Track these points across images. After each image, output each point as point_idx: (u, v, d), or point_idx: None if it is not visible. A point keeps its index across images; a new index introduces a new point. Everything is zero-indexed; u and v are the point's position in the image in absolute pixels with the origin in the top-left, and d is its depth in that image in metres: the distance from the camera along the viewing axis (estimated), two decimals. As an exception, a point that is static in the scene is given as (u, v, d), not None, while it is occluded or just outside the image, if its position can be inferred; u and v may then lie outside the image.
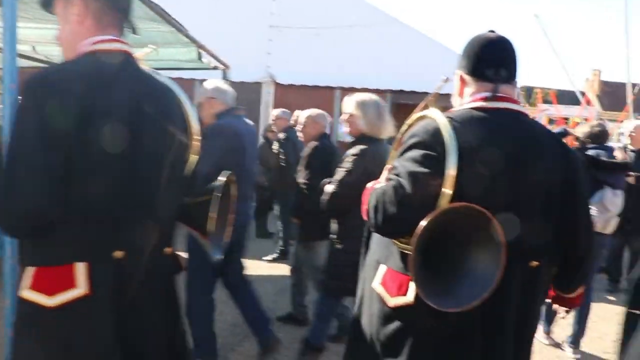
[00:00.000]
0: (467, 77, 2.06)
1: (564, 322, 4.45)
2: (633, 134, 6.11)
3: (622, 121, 21.86)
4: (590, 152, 4.97)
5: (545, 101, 21.21)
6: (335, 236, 3.74)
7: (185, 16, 5.45)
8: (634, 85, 22.65)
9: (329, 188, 3.58)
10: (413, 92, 10.78)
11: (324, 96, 11.88)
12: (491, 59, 2.01)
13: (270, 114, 11.79)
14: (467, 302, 1.77)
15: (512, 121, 1.99)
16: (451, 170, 1.81)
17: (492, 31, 2.07)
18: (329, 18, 11.39)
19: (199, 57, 6.38)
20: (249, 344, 4.51)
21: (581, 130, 5.26)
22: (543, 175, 1.96)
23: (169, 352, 1.97)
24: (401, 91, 11.49)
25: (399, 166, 1.92)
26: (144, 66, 1.98)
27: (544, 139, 2.03)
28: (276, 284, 6.23)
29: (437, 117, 1.92)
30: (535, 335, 2.15)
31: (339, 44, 11.37)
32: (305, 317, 5.07)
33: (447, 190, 1.80)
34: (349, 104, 3.70)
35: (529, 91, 27.11)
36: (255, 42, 11.24)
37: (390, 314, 1.99)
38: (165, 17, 4.64)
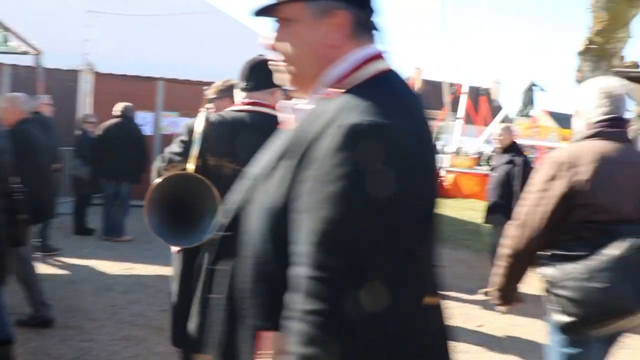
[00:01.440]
0: (236, 90, 2.88)
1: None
2: (501, 136, 6.68)
3: (442, 120, 23.55)
4: None
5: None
6: None
7: (-12, -5, 5.09)
8: (451, 84, 24.60)
9: None
10: (237, 85, 10.90)
11: (146, 87, 11.60)
12: (242, 74, 2.79)
13: (88, 103, 11.31)
14: (190, 242, 2.57)
15: (254, 117, 2.72)
16: (194, 152, 2.61)
17: (261, 55, 2.74)
18: (151, 5, 11.11)
19: (6, 40, 6.03)
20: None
21: None
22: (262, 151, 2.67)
23: None
24: (225, 84, 11.58)
25: (167, 149, 2.78)
26: None
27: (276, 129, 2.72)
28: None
29: (199, 116, 2.72)
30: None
31: (162, 33, 11.15)
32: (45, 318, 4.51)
33: (190, 165, 2.60)
34: None
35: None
36: (71, 27, 10.61)
37: None
38: (-36, -5, 4.33)
